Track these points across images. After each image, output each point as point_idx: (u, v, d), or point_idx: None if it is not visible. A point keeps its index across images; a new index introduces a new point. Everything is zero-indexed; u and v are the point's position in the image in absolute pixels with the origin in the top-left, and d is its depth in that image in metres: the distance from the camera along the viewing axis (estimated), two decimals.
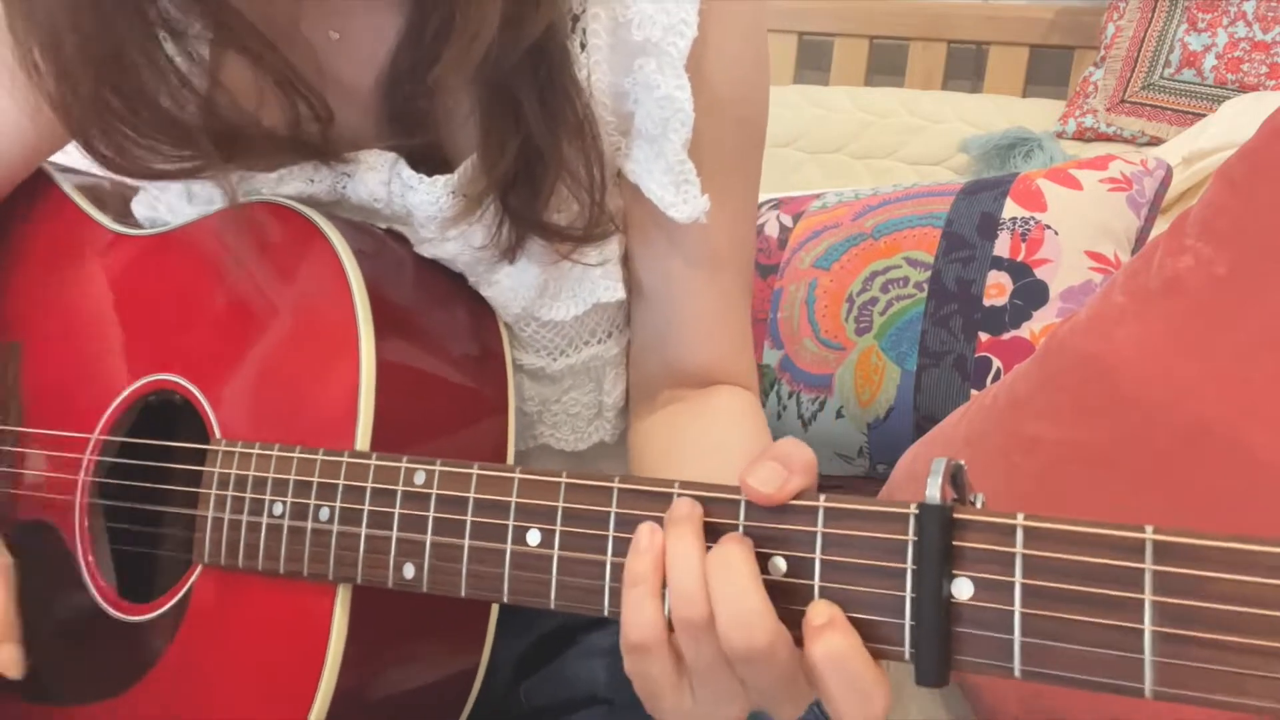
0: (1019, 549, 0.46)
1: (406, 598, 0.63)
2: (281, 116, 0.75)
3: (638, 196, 0.77)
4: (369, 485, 0.64)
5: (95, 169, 0.77)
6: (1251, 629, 0.41)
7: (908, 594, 0.48)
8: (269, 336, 0.73)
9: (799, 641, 0.50)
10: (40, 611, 0.80)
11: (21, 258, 0.88)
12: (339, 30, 0.75)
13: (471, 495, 0.61)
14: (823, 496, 0.51)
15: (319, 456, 0.66)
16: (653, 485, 0.56)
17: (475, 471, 0.61)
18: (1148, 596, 0.43)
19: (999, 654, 0.46)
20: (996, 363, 1.34)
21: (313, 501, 0.66)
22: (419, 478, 0.63)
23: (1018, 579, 0.46)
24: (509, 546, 0.59)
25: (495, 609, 0.75)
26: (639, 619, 0.53)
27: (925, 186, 1.57)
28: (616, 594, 0.55)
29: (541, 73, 0.71)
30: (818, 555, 0.51)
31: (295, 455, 0.67)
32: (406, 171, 0.76)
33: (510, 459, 0.77)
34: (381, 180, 0.77)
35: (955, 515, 0.47)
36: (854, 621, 0.49)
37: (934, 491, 0.47)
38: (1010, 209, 1.42)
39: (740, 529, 0.53)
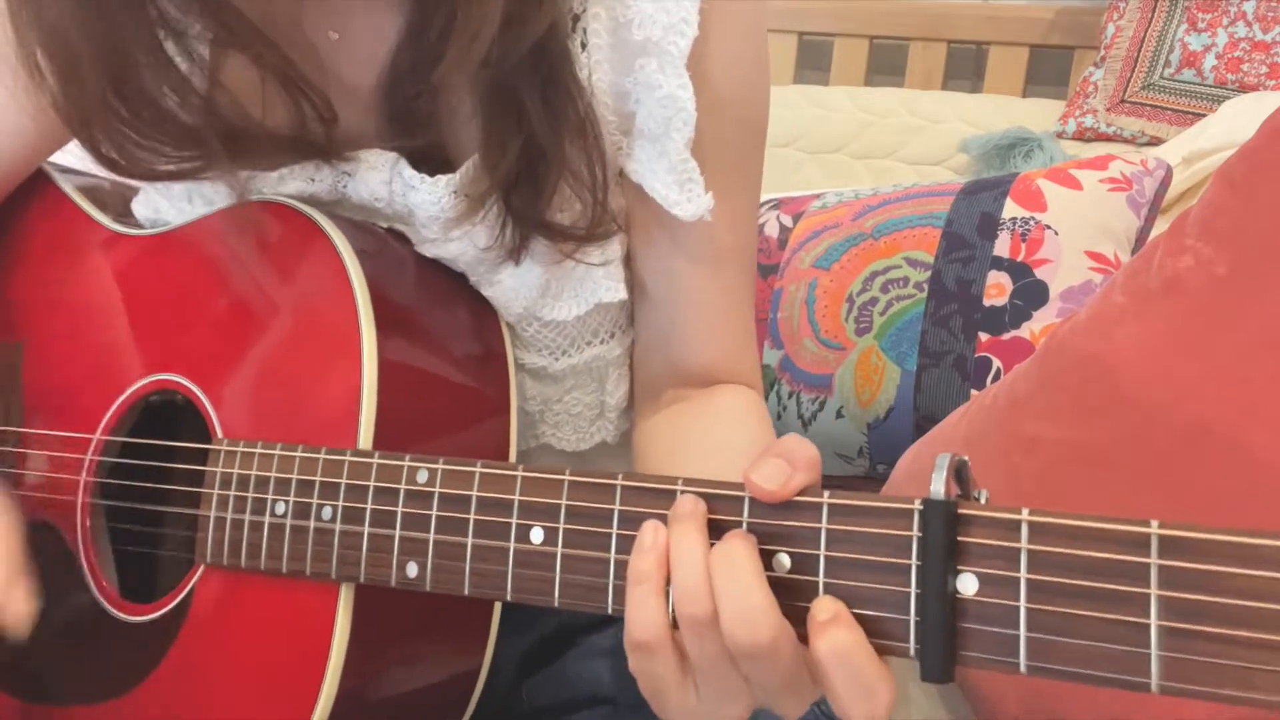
0: (1024, 544, 0.46)
1: (409, 597, 0.63)
2: (284, 116, 0.75)
3: (640, 196, 0.77)
4: (371, 484, 0.64)
5: (96, 169, 0.77)
6: (1258, 623, 0.41)
7: (912, 590, 0.48)
8: (271, 336, 0.73)
9: (804, 638, 0.50)
10: (42, 612, 0.79)
11: (22, 258, 0.88)
12: (339, 30, 0.75)
13: (475, 493, 0.60)
14: (827, 493, 0.51)
15: (321, 455, 0.66)
16: (656, 482, 0.56)
17: (478, 470, 0.61)
18: (1154, 591, 0.43)
19: (1004, 650, 0.46)
20: (996, 363, 1.34)
21: (315, 501, 0.66)
22: (422, 476, 0.63)
23: (1023, 574, 0.46)
24: (512, 544, 0.59)
25: (498, 608, 0.75)
26: (643, 616, 0.53)
27: (925, 186, 1.57)
28: (620, 591, 0.55)
29: (543, 72, 0.71)
30: (822, 551, 0.51)
31: (297, 454, 0.67)
32: (408, 171, 0.76)
33: (512, 459, 0.77)
34: (383, 180, 0.77)
35: (960, 510, 0.47)
36: (858, 617, 0.49)
37: (938, 487, 0.47)
38: (1010, 209, 1.42)
39: (744, 526, 0.53)
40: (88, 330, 0.82)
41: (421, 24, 0.72)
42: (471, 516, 0.60)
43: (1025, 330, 1.34)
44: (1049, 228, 1.38)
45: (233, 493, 0.70)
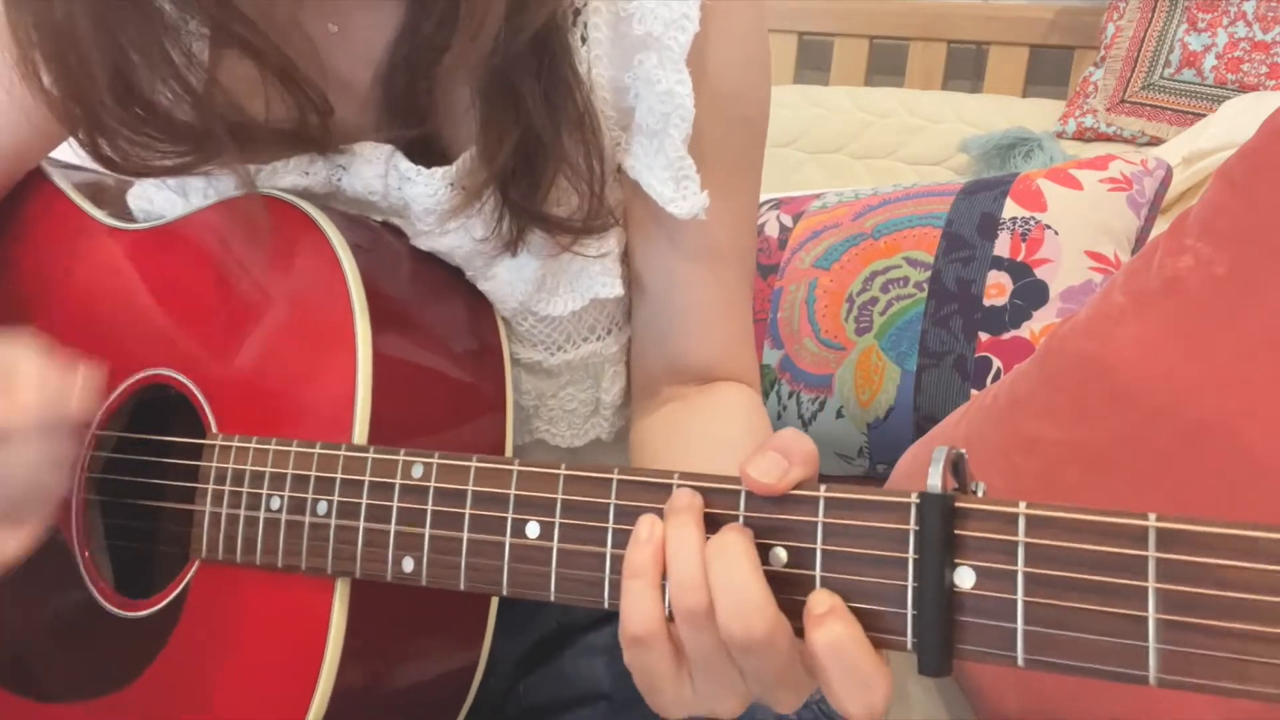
0: (1021, 537, 0.46)
1: (405, 592, 0.63)
2: (280, 110, 0.75)
3: (638, 192, 0.77)
4: (367, 479, 0.64)
5: (94, 164, 0.77)
6: (1255, 615, 0.41)
7: (909, 583, 0.48)
8: (265, 331, 0.73)
9: (800, 632, 0.50)
10: (37, 608, 0.79)
11: (16, 254, 0.88)
12: (338, 23, 0.75)
13: (470, 488, 0.60)
14: (823, 486, 0.51)
15: (316, 450, 0.66)
16: (652, 476, 0.55)
17: (474, 464, 0.61)
18: (1151, 584, 0.43)
19: (1002, 643, 0.46)
20: (996, 363, 1.34)
21: (310, 496, 0.66)
22: (417, 471, 0.62)
23: (1020, 567, 0.45)
24: (508, 539, 0.59)
25: (494, 603, 0.75)
26: (639, 610, 0.53)
27: (925, 186, 1.57)
28: (616, 586, 0.55)
29: (542, 64, 0.71)
30: (819, 545, 0.51)
31: (292, 449, 0.67)
32: (404, 164, 0.76)
33: (508, 454, 0.77)
34: (378, 173, 0.77)
35: (957, 504, 0.47)
36: (855, 611, 0.49)
37: (935, 480, 0.47)
38: (1010, 209, 1.42)
39: (740, 519, 0.53)
40: (82, 325, 0.82)
41: (421, 17, 0.71)
42: (467, 511, 0.60)
43: (1025, 330, 1.34)
44: (1049, 228, 1.38)
45: (227, 488, 0.70)
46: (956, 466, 0.49)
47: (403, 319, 0.74)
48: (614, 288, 0.80)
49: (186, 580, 0.72)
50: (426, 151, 0.77)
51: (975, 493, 0.50)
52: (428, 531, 0.62)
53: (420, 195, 0.75)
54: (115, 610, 0.76)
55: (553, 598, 0.57)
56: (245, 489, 0.69)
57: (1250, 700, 0.41)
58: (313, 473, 0.66)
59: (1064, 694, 0.88)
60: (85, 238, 0.85)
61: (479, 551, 0.60)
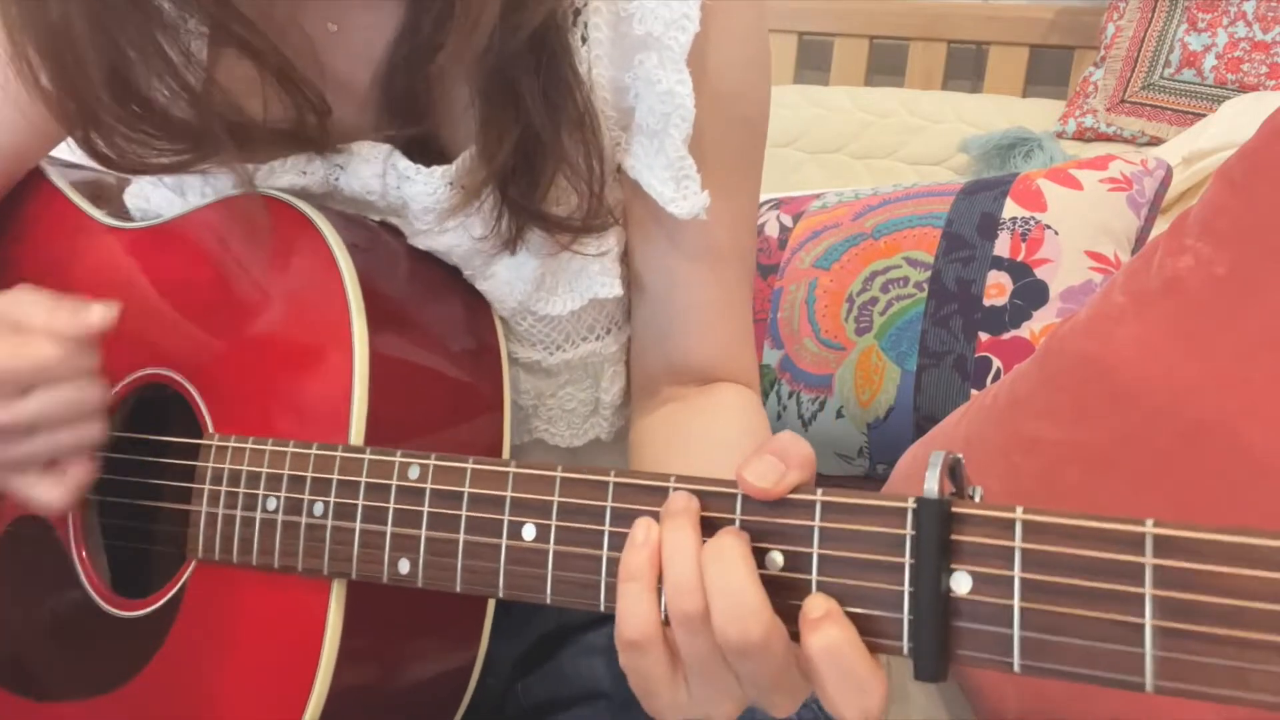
0: (1018, 543, 0.46)
1: (402, 593, 0.63)
2: (278, 110, 0.75)
3: (638, 192, 0.77)
4: (363, 480, 0.64)
5: (92, 162, 0.77)
6: (1253, 623, 0.40)
7: (906, 588, 0.48)
8: (262, 331, 0.73)
9: (796, 636, 0.50)
10: (33, 607, 0.79)
11: (14, 253, 0.88)
12: (337, 22, 0.75)
13: (466, 490, 0.60)
14: (820, 490, 0.51)
15: (312, 451, 0.66)
16: (648, 479, 0.55)
17: (470, 466, 0.60)
18: (1148, 590, 0.43)
19: (998, 649, 0.46)
20: (996, 363, 1.34)
21: (306, 497, 0.66)
22: (413, 472, 0.62)
23: (1017, 573, 0.45)
24: (504, 541, 0.59)
25: (491, 604, 0.75)
26: (635, 613, 0.53)
27: (925, 186, 1.57)
28: (613, 589, 0.55)
29: (542, 62, 0.71)
30: (815, 550, 0.51)
31: (289, 450, 0.67)
32: (403, 162, 0.76)
33: (506, 454, 0.77)
34: (375, 172, 0.77)
35: (953, 509, 0.47)
36: (852, 616, 0.49)
37: (932, 485, 0.47)
38: (1010, 209, 1.42)
39: (737, 523, 0.53)
40: None
41: (420, 15, 0.71)
42: (463, 513, 0.60)
43: (1025, 330, 1.34)
44: (1049, 228, 1.38)
45: (224, 488, 0.69)
46: (953, 471, 0.49)
47: (400, 318, 0.74)
48: (613, 287, 0.80)
49: (183, 580, 0.72)
50: (425, 151, 0.77)
51: (972, 497, 0.49)
52: (424, 533, 0.61)
53: (419, 194, 0.75)
54: (112, 610, 0.76)
55: (549, 600, 0.57)
56: (242, 489, 0.69)
57: (1248, 708, 0.40)
58: (309, 474, 0.66)
59: (1064, 694, 0.88)
60: (83, 237, 0.85)
61: (475, 554, 0.60)
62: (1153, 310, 0.95)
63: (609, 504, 0.56)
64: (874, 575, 0.49)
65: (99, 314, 0.69)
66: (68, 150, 0.86)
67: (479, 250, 0.77)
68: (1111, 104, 2.12)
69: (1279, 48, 1.95)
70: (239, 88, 0.75)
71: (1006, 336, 1.34)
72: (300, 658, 0.66)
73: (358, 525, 0.64)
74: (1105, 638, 0.43)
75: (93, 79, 0.70)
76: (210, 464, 0.70)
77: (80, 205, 0.86)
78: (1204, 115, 1.94)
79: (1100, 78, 2.15)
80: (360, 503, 0.64)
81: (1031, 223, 1.39)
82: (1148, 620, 0.43)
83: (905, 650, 0.48)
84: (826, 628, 0.49)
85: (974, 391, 1.33)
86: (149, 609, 0.74)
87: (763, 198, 1.53)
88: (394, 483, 0.63)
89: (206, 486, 0.70)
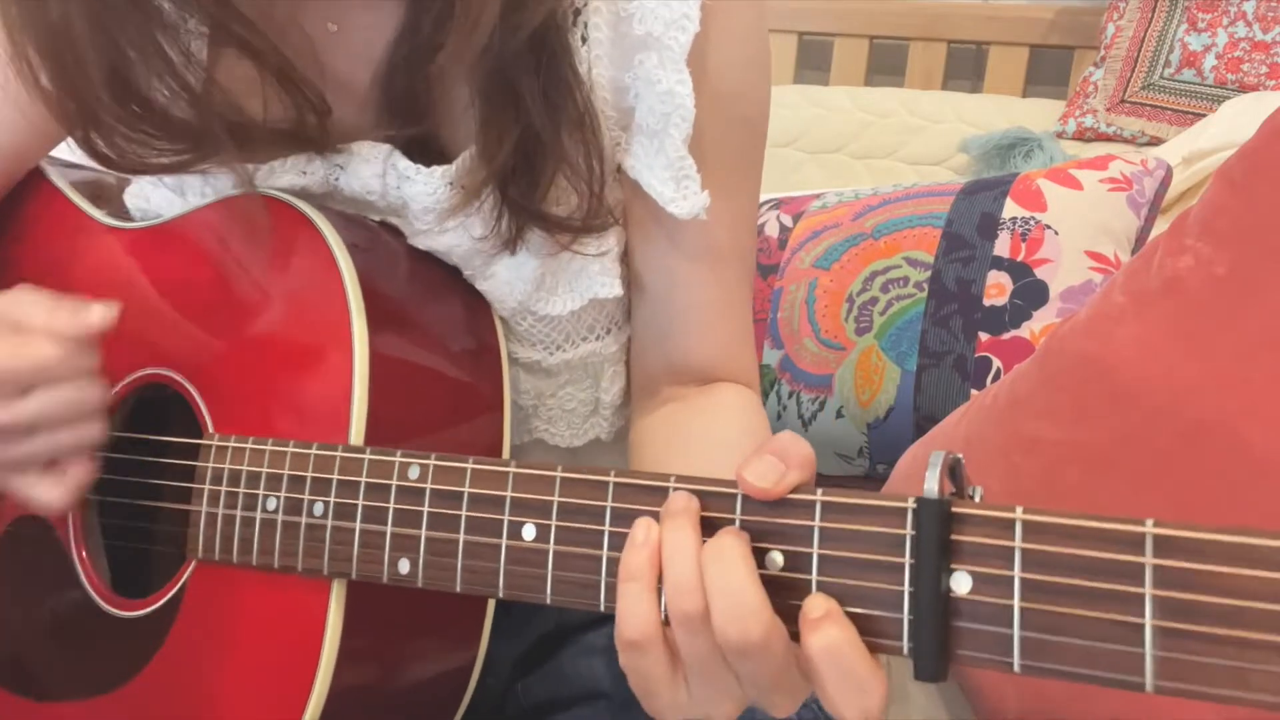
0: (1018, 543, 0.46)
1: (402, 593, 0.63)
2: (278, 110, 0.75)
3: (638, 192, 0.77)
4: (363, 480, 0.64)
5: (92, 162, 0.77)
6: (1253, 623, 0.40)
7: (906, 588, 0.48)
8: (262, 331, 0.73)
9: (796, 636, 0.50)
10: (33, 607, 0.79)
11: (13, 253, 0.88)
12: (337, 22, 0.75)
13: (466, 489, 0.60)
14: (820, 490, 0.51)
15: (312, 451, 0.66)
16: (648, 479, 0.55)
17: (470, 466, 0.60)
18: (1148, 590, 0.43)
19: (998, 649, 0.46)
20: (996, 363, 1.34)
21: (306, 497, 0.66)
22: (413, 472, 0.62)
23: (1017, 573, 0.45)
24: (504, 541, 0.59)
25: (491, 604, 0.75)
26: (635, 613, 0.53)
27: (925, 186, 1.57)
28: (613, 589, 0.55)
29: (542, 62, 0.71)
30: (815, 550, 0.51)
31: (289, 450, 0.67)
32: (403, 162, 0.76)
33: (506, 454, 0.77)
34: (376, 172, 0.77)
35: (953, 509, 0.47)
36: (852, 616, 0.49)
37: (932, 485, 0.47)
38: (1010, 209, 1.42)
39: (737, 523, 0.53)
40: None
41: (419, 15, 0.71)
42: (463, 513, 0.60)
43: (1025, 330, 1.34)
44: (1049, 228, 1.38)
45: (224, 488, 0.69)
46: (954, 471, 0.49)
47: (400, 318, 0.74)
48: (613, 287, 0.80)
49: (183, 580, 0.72)
50: (425, 150, 0.77)
51: (972, 497, 0.49)
52: (424, 533, 0.61)
53: (419, 194, 0.75)
54: (112, 610, 0.76)
55: (549, 600, 0.57)
56: (241, 489, 0.69)
57: (1248, 708, 0.40)
58: (309, 474, 0.66)
59: (1064, 694, 0.88)
60: (83, 237, 0.85)
61: (475, 554, 0.60)
62: (1153, 310, 0.95)
63: (609, 504, 0.56)
64: (874, 575, 0.49)
65: (99, 314, 0.69)
66: (68, 150, 0.86)
67: (479, 250, 0.77)
68: (1111, 104, 2.12)
69: (1279, 48, 1.95)
70: (239, 88, 0.75)
71: (1006, 336, 1.34)
72: (300, 658, 0.66)
73: (358, 525, 0.64)
74: (1105, 638, 0.43)
75: (92, 79, 0.70)
76: (210, 464, 0.70)
77: (80, 205, 0.86)
78: (1204, 115, 1.94)
79: (1100, 78, 2.15)
80: (360, 503, 0.64)
81: (1031, 223, 1.39)
82: (1148, 620, 0.43)
83: (905, 650, 0.48)
84: (826, 628, 0.49)
85: (974, 391, 1.33)
86: (149, 609, 0.74)
87: (763, 198, 1.53)
88: (394, 483, 0.63)
89: (206, 486, 0.70)
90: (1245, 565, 0.41)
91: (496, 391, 0.78)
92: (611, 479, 0.56)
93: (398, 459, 0.63)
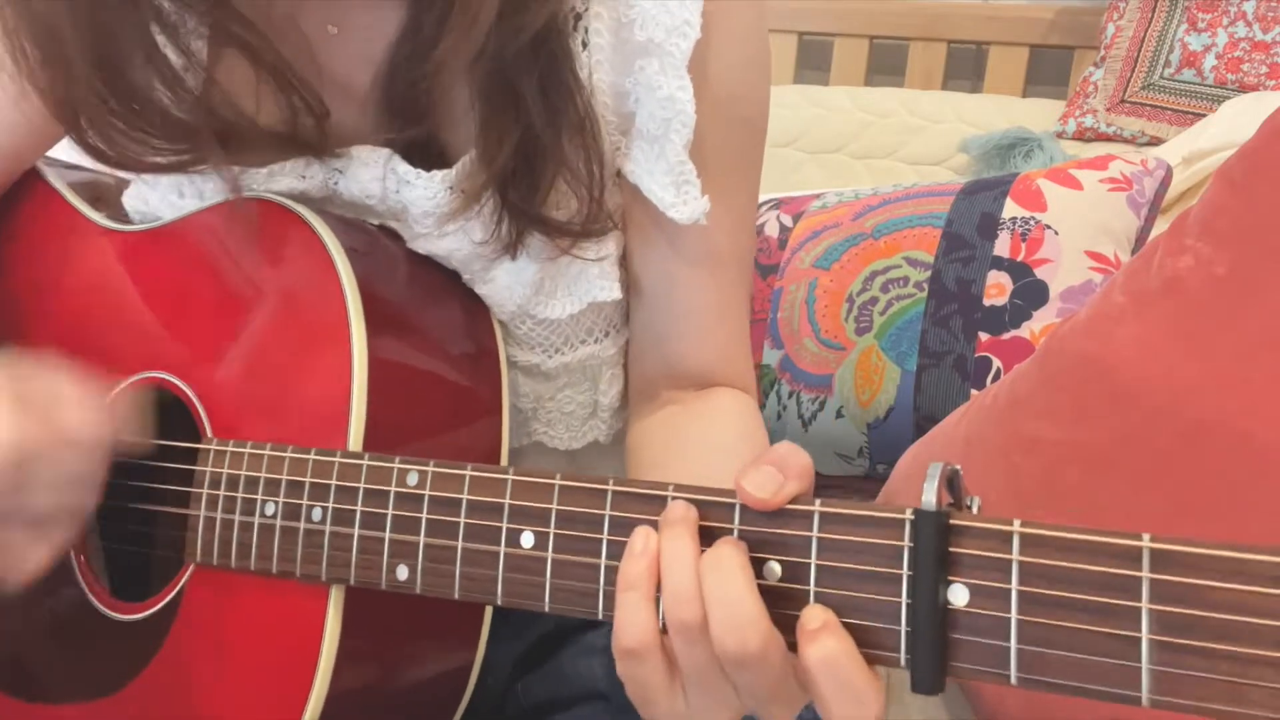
0: (1015, 555, 0.46)
1: (400, 597, 0.63)
2: (276, 113, 0.75)
3: (638, 197, 0.77)
4: (361, 486, 0.64)
5: (87, 161, 0.77)
6: (1249, 638, 0.41)
7: (903, 600, 0.48)
8: (260, 335, 0.73)
9: (794, 646, 0.50)
10: (32, 610, 0.79)
11: (10, 255, 0.88)
12: (338, 25, 0.75)
13: (465, 497, 0.60)
14: (818, 501, 0.51)
15: (311, 456, 0.66)
16: (647, 488, 0.55)
17: (468, 473, 0.60)
18: (1145, 605, 0.43)
19: (995, 661, 0.46)
20: (996, 363, 1.34)
21: (305, 502, 0.66)
22: (412, 479, 0.62)
23: (1014, 585, 0.45)
24: (503, 549, 0.59)
25: (489, 607, 0.74)
26: (633, 622, 0.53)
27: (925, 186, 1.57)
28: (611, 597, 0.55)
29: (542, 66, 0.71)
30: (813, 560, 0.51)
31: (287, 455, 0.67)
32: (403, 167, 0.76)
33: (504, 457, 0.77)
34: (375, 176, 0.77)
35: (951, 521, 0.47)
36: (849, 627, 0.49)
37: (930, 497, 0.47)
38: (1010, 209, 1.42)
39: (735, 533, 0.53)
40: (77, 327, 0.82)
41: (420, 16, 0.71)
42: (462, 520, 0.60)
43: (1025, 330, 1.33)
44: (1049, 228, 1.38)
45: (222, 492, 0.69)
46: (951, 482, 0.49)
47: (398, 322, 0.74)
48: (612, 291, 0.80)
49: (181, 584, 0.72)
50: (424, 154, 0.77)
51: (970, 508, 0.49)
52: (422, 540, 0.61)
53: (419, 198, 0.75)
54: (110, 613, 0.76)
55: (547, 608, 0.57)
56: (240, 494, 0.69)
57: None
58: (308, 479, 0.66)
59: (1064, 696, 0.88)
60: (81, 239, 0.85)
61: (474, 561, 0.60)
62: (1153, 310, 0.95)
63: (607, 512, 0.56)
64: (871, 587, 0.49)
65: (126, 404, 0.70)
66: (66, 152, 0.86)
67: (479, 254, 0.77)
68: (1111, 104, 2.12)
69: (1279, 48, 1.95)
70: (239, 89, 0.74)
71: (1006, 336, 1.34)
72: (298, 661, 0.66)
73: (356, 531, 0.64)
74: (1102, 651, 0.43)
75: (87, 75, 0.70)
76: (209, 468, 0.70)
77: (78, 207, 0.86)
78: (1204, 115, 1.94)
79: (1100, 78, 2.15)
80: (358, 508, 0.64)
81: (1031, 223, 1.39)
82: (1144, 634, 0.43)
83: (902, 662, 0.48)
84: (824, 639, 0.49)
85: (974, 391, 1.33)
86: (147, 612, 0.74)
87: (763, 198, 1.53)
88: (392, 489, 0.63)
89: (205, 491, 0.70)
90: (1242, 580, 0.41)
91: (495, 395, 0.78)
92: (610, 487, 0.56)
93: (396, 465, 0.63)
